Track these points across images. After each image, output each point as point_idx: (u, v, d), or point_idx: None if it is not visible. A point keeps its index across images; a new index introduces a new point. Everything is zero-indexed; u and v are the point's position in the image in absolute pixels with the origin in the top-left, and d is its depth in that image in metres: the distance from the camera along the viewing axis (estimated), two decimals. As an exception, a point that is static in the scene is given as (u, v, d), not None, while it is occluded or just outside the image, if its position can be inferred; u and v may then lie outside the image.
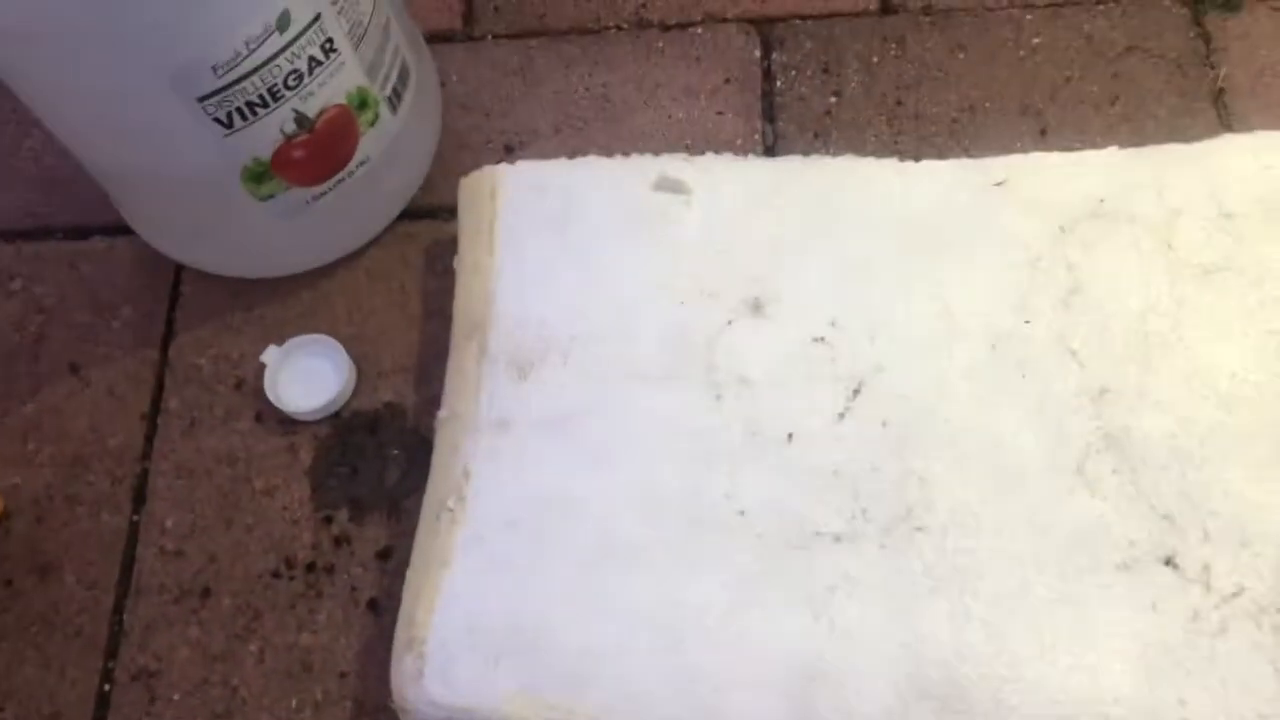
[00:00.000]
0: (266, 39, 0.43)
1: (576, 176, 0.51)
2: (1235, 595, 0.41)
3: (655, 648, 0.42)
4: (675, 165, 0.51)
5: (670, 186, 0.50)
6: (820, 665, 0.41)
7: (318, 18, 0.45)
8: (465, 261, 0.51)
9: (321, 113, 0.48)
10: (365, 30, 0.48)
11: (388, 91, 0.51)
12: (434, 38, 0.60)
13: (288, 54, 0.45)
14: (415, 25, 0.56)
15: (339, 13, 0.46)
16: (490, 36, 0.61)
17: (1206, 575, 0.42)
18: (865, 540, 0.43)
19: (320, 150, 0.49)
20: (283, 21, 0.43)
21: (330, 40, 0.46)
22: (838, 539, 0.43)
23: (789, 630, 0.42)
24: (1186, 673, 0.40)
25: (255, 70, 0.44)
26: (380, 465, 0.51)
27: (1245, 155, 0.49)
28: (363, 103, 0.49)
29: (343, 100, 0.48)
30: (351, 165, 0.51)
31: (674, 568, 0.43)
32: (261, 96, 0.45)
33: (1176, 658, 0.40)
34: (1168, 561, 0.42)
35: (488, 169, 0.52)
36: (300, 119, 0.47)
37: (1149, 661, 0.40)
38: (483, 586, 0.43)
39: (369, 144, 0.51)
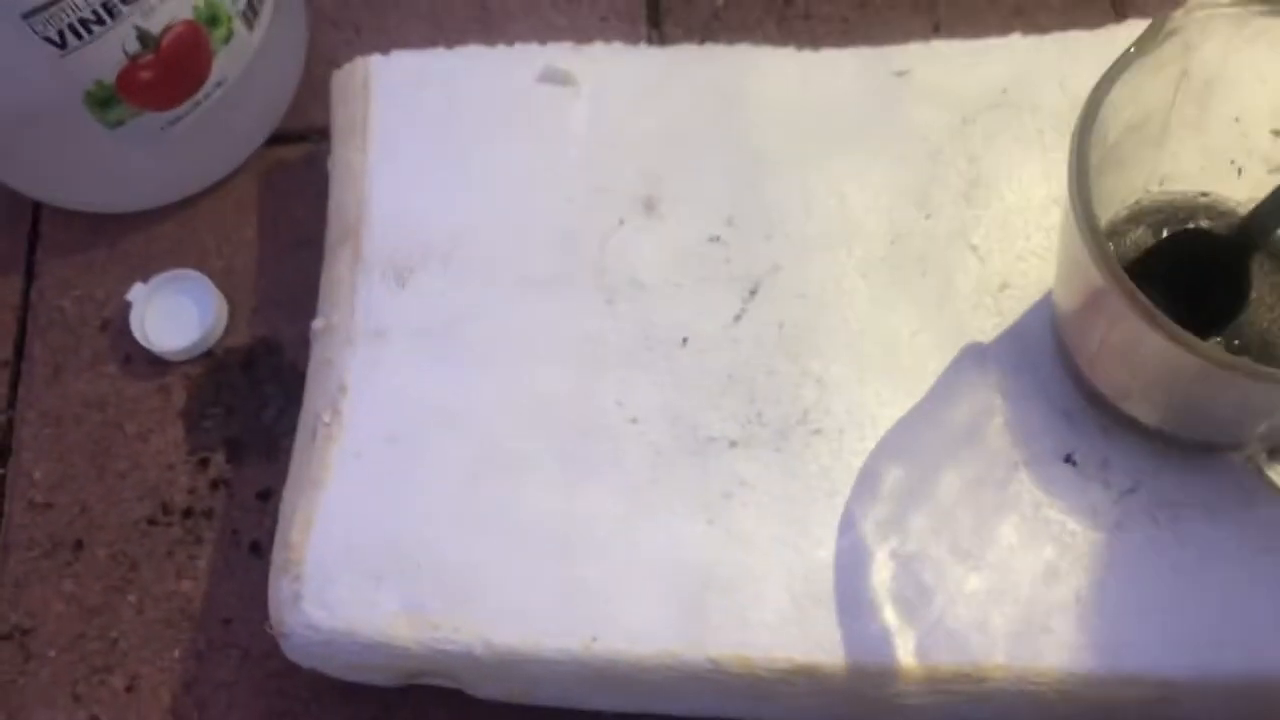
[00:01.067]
0: (91, -54, 0.40)
1: (456, 67, 0.49)
2: (1132, 491, 0.40)
3: (543, 560, 0.40)
4: (562, 55, 0.49)
5: (556, 78, 0.48)
6: (714, 573, 0.39)
7: (151, -78, 0.42)
8: (338, 162, 0.48)
9: (167, 30, 0.44)
10: (209, -63, 0.45)
11: (241, 6, 0.47)
12: (302, -48, 0.57)
13: (119, -36, 0.42)
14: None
15: (176, -83, 0.43)
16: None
17: (1104, 472, 0.41)
18: (761, 445, 0.42)
19: (169, 71, 0.46)
20: (109, -74, 0.40)
21: (168, -52, 0.43)
22: (733, 444, 0.42)
23: (682, 538, 0.40)
24: (1085, 569, 0.39)
25: (83, -18, 0.41)
26: (256, 403, 0.48)
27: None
28: (213, 18, 0.46)
29: (190, 16, 0.45)
30: (207, 87, 0.47)
31: (562, 478, 0.41)
32: (95, 12, 0.42)
33: (1074, 555, 0.39)
34: (1067, 459, 0.41)
35: (360, 60, 0.49)
36: (143, 37, 0.44)
37: (1047, 558, 0.39)
38: (361, 504, 0.41)
39: (224, 63, 0.48)
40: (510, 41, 0.53)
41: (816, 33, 0.54)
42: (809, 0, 0.55)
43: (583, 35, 0.54)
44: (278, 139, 0.53)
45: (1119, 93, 0.35)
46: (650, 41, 0.55)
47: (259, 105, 0.52)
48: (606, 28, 0.55)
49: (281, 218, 0.52)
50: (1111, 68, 0.35)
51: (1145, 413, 0.40)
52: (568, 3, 0.56)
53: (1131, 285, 0.33)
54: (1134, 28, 0.48)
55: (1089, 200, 0.34)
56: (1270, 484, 0.40)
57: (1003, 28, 0.53)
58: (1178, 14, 0.35)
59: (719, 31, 0.55)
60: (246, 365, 0.49)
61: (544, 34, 0.55)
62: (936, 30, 0.54)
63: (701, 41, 0.54)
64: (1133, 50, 0.35)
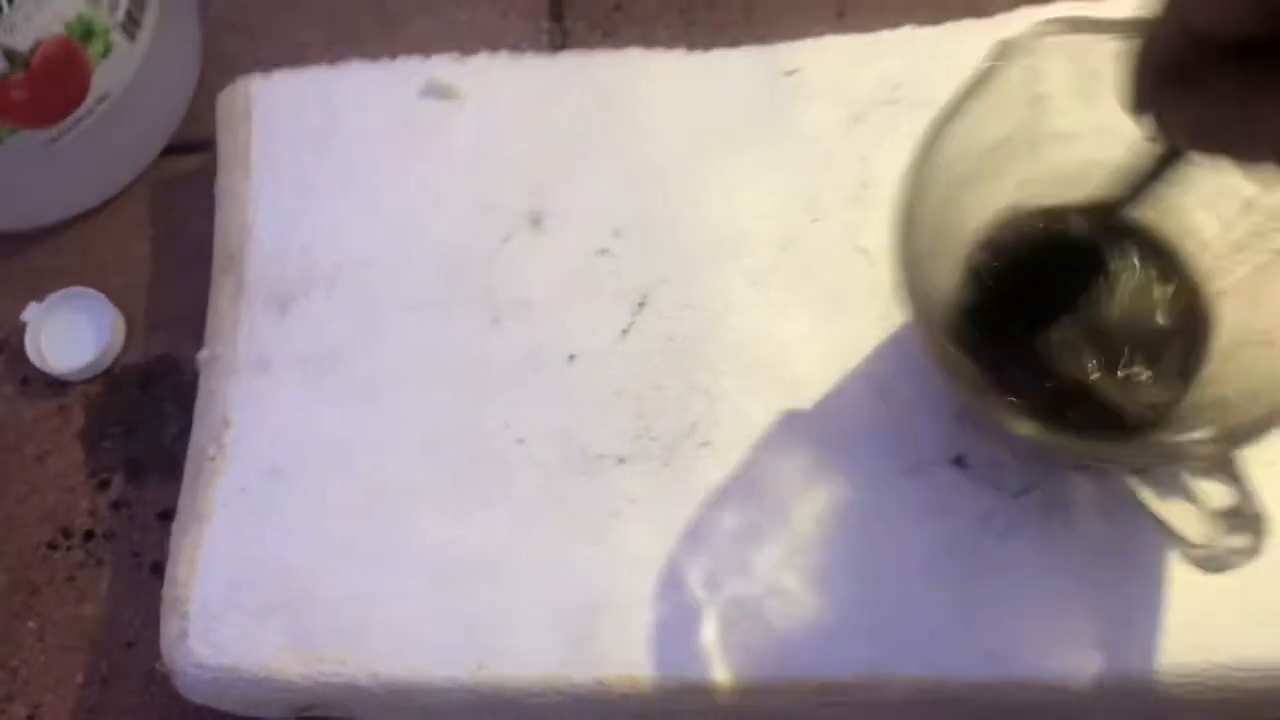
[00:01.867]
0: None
1: (337, 86, 0.48)
2: (1025, 492, 0.40)
3: (431, 589, 0.40)
4: (445, 68, 0.48)
5: (439, 92, 0.47)
6: (602, 594, 0.39)
7: (8, -59, 0.41)
8: (222, 189, 0.47)
9: (36, 47, 0.44)
10: (77, -48, 0.44)
11: (120, 18, 0.46)
12: (194, -46, 0.55)
13: (-24, -17, 0.41)
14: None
15: (37, -66, 0.42)
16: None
17: (996, 474, 0.40)
18: (649, 461, 0.41)
19: (43, 89, 0.45)
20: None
21: (30, -36, 0.42)
22: (621, 461, 0.42)
23: (570, 560, 0.40)
24: (978, 576, 0.39)
25: (-61, 4, 0.40)
26: (156, 422, 0.48)
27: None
28: (88, 32, 0.45)
29: (61, 31, 0.44)
30: (89, 102, 0.47)
31: (450, 506, 0.41)
32: (-46, 33, 0.41)
33: (966, 561, 0.39)
34: (957, 460, 0.41)
35: (241, 82, 0.48)
36: (11, 55, 0.43)
37: (938, 566, 0.39)
38: (247, 539, 0.41)
39: (106, 77, 0.47)
40: (407, 39, 0.52)
41: (720, 22, 0.53)
42: (714, -12, 0.54)
43: (483, 32, 0.53)
44: (174, 150, 0.52)
45: (962, 126, 0.35)
46: (551, 36, 0.54)
47: (150, 117, 0.51)
48: (506, 24, 0.54)
49: (179, 231, 0.51)
50: (942, 114, 0.35)
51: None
52: (467, -2, 0.55)
53: (952, 354, 0.33)
54: (1026, 15, 0.47)
55: (916, 281, 0.34)
56: (1141, 504, 0.40)
57: (908, 11, 0.52)
58: (1020, 41, 0.35)
59: (621, 24, 0.54)
60: (145, 384, 0.49)
61: (443, 32, 0.54)
62: (841, 16, 0.53)
63: (604, 35, 0.53)
64: (969, 91, 0.35)
